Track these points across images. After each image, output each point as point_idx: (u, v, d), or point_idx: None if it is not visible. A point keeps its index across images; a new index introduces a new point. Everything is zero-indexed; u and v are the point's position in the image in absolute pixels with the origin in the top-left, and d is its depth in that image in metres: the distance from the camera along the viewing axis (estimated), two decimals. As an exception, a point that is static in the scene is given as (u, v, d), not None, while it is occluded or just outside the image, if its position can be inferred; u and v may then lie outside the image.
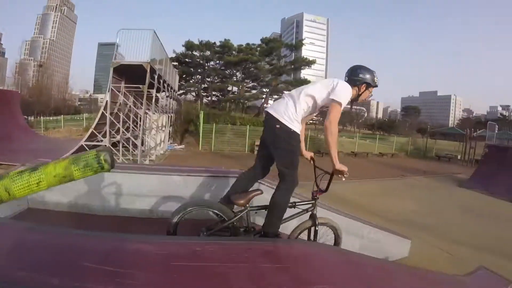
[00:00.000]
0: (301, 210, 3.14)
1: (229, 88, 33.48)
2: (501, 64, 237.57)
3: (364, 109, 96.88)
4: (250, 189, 3.02)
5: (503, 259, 6.91)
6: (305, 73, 51.66)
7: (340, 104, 2.69)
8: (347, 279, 1.97)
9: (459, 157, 27.28)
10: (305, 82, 32.31)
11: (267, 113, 2.82)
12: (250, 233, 2.87)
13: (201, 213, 2.90)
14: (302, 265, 1.95)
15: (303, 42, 37.37)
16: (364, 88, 2.97)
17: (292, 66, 32.66)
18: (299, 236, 3.13)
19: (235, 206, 2.86)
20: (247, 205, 2.83)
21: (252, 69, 31.62)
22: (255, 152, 18.28)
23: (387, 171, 17.22)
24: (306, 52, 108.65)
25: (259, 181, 3.46)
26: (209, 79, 33.41)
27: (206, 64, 32.23)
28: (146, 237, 2.01)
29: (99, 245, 1.73)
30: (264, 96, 32.94)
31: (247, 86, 33.82)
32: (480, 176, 15.53)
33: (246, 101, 34.34)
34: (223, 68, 32.45)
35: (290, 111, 2.72)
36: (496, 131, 21.82)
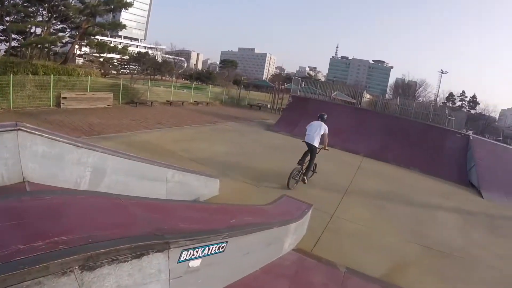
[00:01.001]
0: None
1: (32, 30, 26.76)
2: (312, 32, 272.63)
3: (184, 59, 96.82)
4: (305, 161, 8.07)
5: (305, 186, 7.95)
6: (125, 17, 46.73)
7: (327, 134, 8.12)
8: (98, 224, 1.73)
9: (268, 106, 29.97)
10: (121, 25, 29.00)
11: (309, 143, 7.94)
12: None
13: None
14: (46, 218, 1.67)
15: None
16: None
17: (107, 7, 28.17)
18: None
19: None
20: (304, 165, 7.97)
21: (61, 7, 26.00)
22: (62, 106, 15.08)
23: (201, 118, 17.42)
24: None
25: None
26: (8, 19, 26.05)
27: (5, -1, 24.77)
28: None
29: None
30: (73, 40, 27.78)
31: (55, 28, 27.83)
32: (284, 121, 17.45)
33: (52, 46, 28.40)
34: (26, 4, 25.53)
35: (316, 141, 7.92)
36: (302, 86, 24.76)
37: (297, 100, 19.04)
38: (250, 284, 2.83)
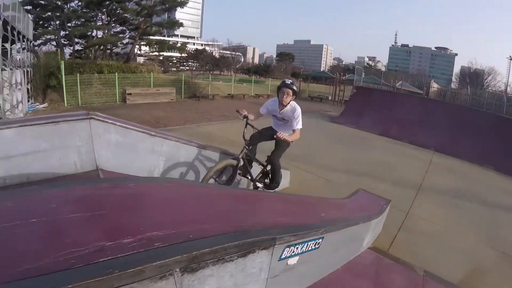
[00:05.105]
0: None
1: (94, 34, 28.41)
2: (369, 21, 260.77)
3: (241, 54, 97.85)
4: None
5: (376, 181, 7.49)
6: (180, 17, 48.15)
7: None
8: (192, 217, 1.55)
9: (329, 98, 29.32)
10: (178, 23, 29.74)
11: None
12: None
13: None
14: (129, 208, 1.48)
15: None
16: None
17: (163, 6, 29.06)
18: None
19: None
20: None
21: (119, 10, 27.36)
22: (127, 102, 15.85)
23: (264, 110, 17.38)
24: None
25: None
26: (70, 25, 27.90)
27: (66, 5, 26.41)
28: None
29: None
30: (133, 41, 29.15)
31: (115, 31, 29.23)
32: (349, 112, 16.96)
33: (113, 47, 30.02)
34: (85, 9, 27.16)
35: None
36: (363, 76, 23.93)
37: (361, 91, 18.44)
38: (332, 283, 2.66)
